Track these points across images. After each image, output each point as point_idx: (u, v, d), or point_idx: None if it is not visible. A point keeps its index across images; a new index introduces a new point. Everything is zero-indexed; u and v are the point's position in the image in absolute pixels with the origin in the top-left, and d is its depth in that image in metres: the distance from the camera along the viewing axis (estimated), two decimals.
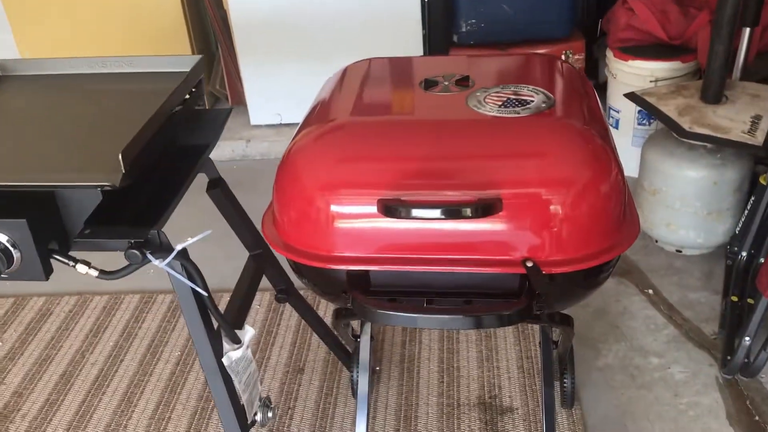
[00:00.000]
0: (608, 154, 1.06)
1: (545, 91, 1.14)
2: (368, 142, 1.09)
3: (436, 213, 0.96)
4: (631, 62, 2.58)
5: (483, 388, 1.87)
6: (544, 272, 0.99)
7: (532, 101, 1.10)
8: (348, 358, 1.86)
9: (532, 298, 0.99)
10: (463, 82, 1.20)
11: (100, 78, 1.48)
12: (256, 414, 1.45)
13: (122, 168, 1.08)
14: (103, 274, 1.21)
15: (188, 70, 1.42)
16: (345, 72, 1.33)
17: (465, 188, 1.01)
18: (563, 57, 2.90)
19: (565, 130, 1.06)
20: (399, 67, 1.33)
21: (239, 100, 3.27)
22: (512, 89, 1.14)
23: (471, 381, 1.89)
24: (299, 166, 1.11)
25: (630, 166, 2.65)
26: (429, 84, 1.20)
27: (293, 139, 1.18)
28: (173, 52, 3.13)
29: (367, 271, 1.07)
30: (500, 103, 1.10)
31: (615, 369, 1.91)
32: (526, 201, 1.00)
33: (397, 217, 0.98)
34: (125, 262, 1.18)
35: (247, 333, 1.34)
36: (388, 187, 1.03)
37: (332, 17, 2.95)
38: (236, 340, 1.33)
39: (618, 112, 2.70)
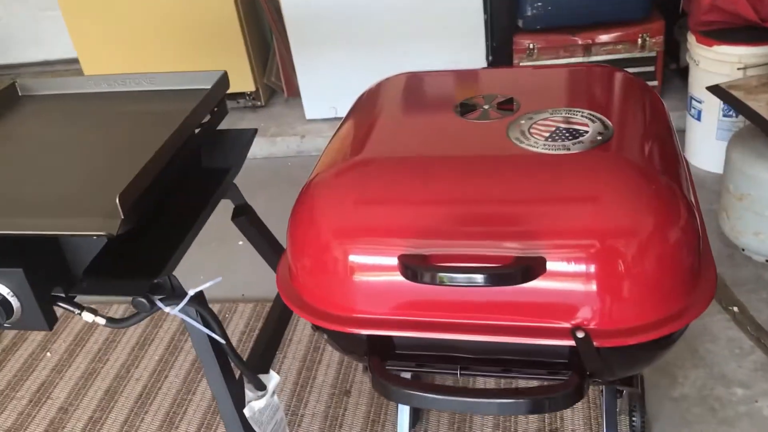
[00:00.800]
0: (677, 197, 0.88)
1: (602, 118, 0.96)
2: (392, 182, 0.95)
3: (464, 279, 0.81)
4: (716, 47, 2.32)
5: (543, 418, 1.71)
6: (597, 345, 0.83)
7: (586, 132, 0.93)
8: None
9: (583, 377, 0.83)
10: (506, 105, 1.03)
11: (119, 98, 1.38)
12: None
13: (120, 214, 0.97)
14: (111, 322, 1.12)
15: (210, 87, 1.30)
16: (376, 92, 1.18)
17: (502, 240, 0.86)
18: (639, 41, 2.65)
19: (623, 170, 0.89)
20: (435, 86, 1.17)
21: (296, 92, 3.16)
22: (563, 115, 0.97)
23: None
24: (315, 208, 0.97)
25: (714, 162, 2.41)
26: (466, 109, 1.04)
27: (312, 173, 1.05)
28: (226, 44, 3.04)
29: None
30: (547, 134, 0.93)
31: (692, 400, 1.71)
32: (576, 258, 0.84)
33: (420, 282, 0.84)
34: None
35: (272, 379, 1.23)
36: (411, 235, 0.89)
37: (388, 4, 2.79)
38: (260, 387, 1.22)
39: (701, 102, 2.44)
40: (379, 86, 1.20)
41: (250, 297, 2.24)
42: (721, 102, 2.33)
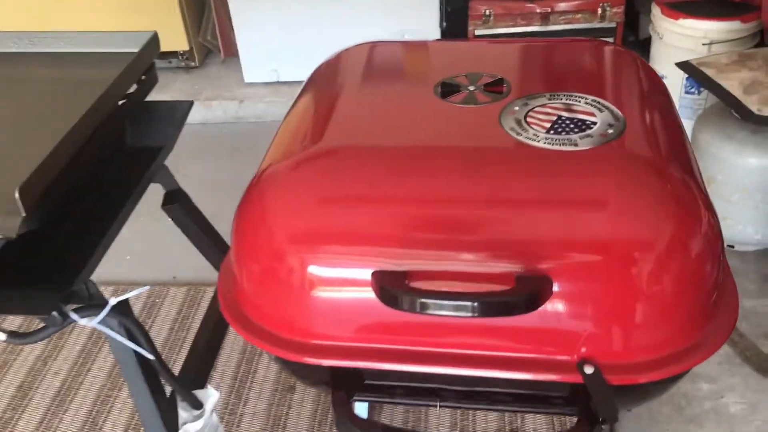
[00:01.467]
0: (702, 202, 0.75)
1: (610, 106, 0.82)
2: (362, 177, 0.78)
3: (454, 307, 0.66)
4: (681, 21, 2.21)
5: (503, 417, 1.60)
6: (610, 383, 0.69)
7: (594, 124, 0.78)
8: None
9: (593, 423, 0.70)
10: (495, 87, 0.87)
11: (28, 60, 1.16)
12: None
13: (21, 211, 0.78)
14: (14, 337, 0.92)
15: (137, 50, 1.10)
16: (336, 65, 1.00)
17: (499, 253, 0.71)
18: (599, 11, 2.53)
19: (645, 174, 0.75)
20: (407, 60, 1.00)
21: (233, 53, 2.92)
22: (563, 101, 0.82)
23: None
24: (267, 207, 0.80)
25: None
26: (447, 89, 0.88)
27: (262, 163, 0.87)
28: None
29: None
30: (548, 125, 0.78)
31: (660, 398, 1.63)
32: (585, 275, 0.70)
33: (400, 309, 0.68)
34: None
35: (210, 396, 1.06)
36: (387, 244, 0.73)
37: None
38: (196, 405, 1.05)
39: (663, 77, 2.34)
40: (339, 58, 1.02)
41: (183, 280, 2.05)
42: (684, 78, 2.24)
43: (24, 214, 0.78)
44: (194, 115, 2.79)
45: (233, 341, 1.83)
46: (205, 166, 2.48)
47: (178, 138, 1.13)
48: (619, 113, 0.80)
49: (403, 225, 0.74)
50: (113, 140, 1.09)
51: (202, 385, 1.08)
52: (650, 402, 0.86)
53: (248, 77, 2.86)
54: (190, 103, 1.13)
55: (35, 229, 0.82)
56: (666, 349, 0.71)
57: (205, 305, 1.89)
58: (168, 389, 1.06)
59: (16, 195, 0.77)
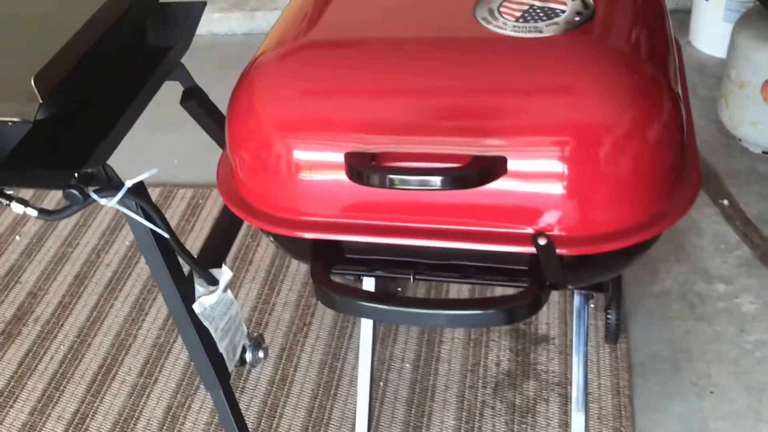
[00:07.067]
0: (661, 88, 0.78)
1: None
2: (341, 68, 0.84)
3: (415, 182, 0.72)
4: None
5: (474, 290, 1.65)
6: (560, 253, 0.75)
7: (562, 12, 0.81)
8: None
9: (541, 288, 0.76)
10: None
11: None
12: (245, 352, 1.29)
13: (38, 97, 0.87)
14: (44, 213, 1.03)
15: None
16: None
17: (460, 136, 0.76)
18: None
19: (599, 56, 0.77)
20: None
21: None
22: None
23: None
24: (256, 95, 0.87)
25: (719, 46, 2.26)
26: None
27: (254, 56, 0.93)
28: None
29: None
30: (519, 14, 0.81)
31: (673, 296, 1.67)
32: (541, 156, 0.74)
33: (367, 184, 0.75)
34: None
35: (224, 274, 1.17)
36: (360, 130, 0.79)
37: None
38: (212, 282, 1.16)
39: None
40: None
41: None
42: None
43: (41, 101, 0.87)
44: (239, 26, 2.86)
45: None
46: None
47: (193, 36, 1.19)
48: (590, 2, 0.82)
49: (374, 111, 0.79)
50: (133, 38, 1.16)
51: (218, 265, 1.18)
52: (617, 274, 0.90)
53: None
54: (203, 4, 1.19)
55: (53, 115, 0.92)
56: (617, 225, 0.76)
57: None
58: (186, 268, 1.16)
59: (32, 83, 0.85)
